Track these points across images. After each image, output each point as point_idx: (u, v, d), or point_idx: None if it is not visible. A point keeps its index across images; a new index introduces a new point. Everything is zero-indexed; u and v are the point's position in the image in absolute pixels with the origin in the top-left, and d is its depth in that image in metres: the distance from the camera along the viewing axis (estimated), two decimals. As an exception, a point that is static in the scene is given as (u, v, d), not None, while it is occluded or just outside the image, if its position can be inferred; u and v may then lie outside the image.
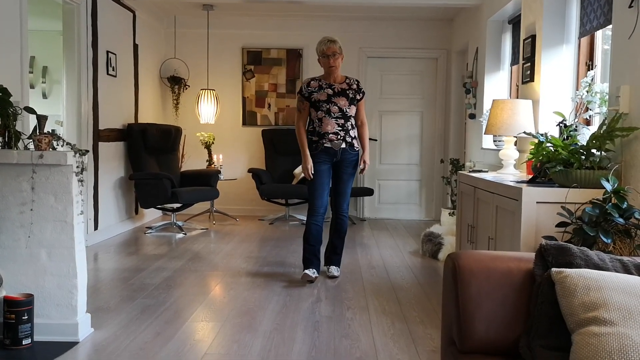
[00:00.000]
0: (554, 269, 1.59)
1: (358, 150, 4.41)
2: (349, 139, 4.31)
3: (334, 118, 4.27)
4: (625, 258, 1.67)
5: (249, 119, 7.79)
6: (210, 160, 7.32)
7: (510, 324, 1.66)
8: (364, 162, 4.45)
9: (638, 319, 1.39)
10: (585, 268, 1.60)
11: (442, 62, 7.69)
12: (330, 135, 4.27)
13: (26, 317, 2.87)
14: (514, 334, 1.65)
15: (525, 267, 1.70)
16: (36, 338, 2.94)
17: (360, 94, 4.39)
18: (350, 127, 4.33)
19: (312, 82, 4.36)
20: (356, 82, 4.41)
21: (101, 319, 3.35)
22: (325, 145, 4.28)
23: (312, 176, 4.29)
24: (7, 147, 3.00)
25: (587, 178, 2.79)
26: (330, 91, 4.30)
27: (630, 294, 1.45)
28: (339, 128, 4.28)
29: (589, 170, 2.81)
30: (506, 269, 1.70)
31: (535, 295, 1.61)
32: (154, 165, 6.50)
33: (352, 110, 4.34)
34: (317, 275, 4.34)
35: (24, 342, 2.86)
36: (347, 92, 4.33)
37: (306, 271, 4.28)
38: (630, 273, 1.60)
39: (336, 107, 4.28)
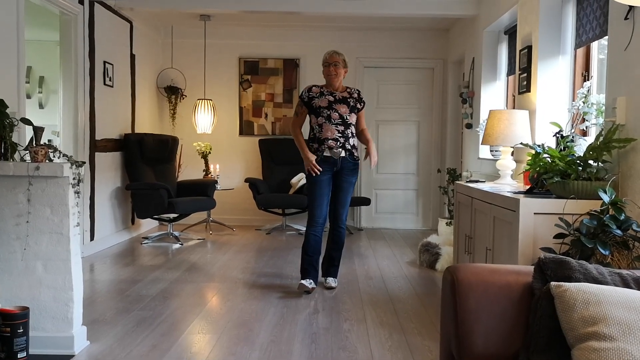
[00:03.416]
0: (552, 283, 1.58)
1: (358, 160, 4.42)
2: (348, 146, 4.32)
3: (334, 124, 4.29)
4: (624, 271, 1.67)
5: (245, 129, 7.80)
6: (207, 170, 7.31)
7: (509, 338, 1.65)
8: (371, 156, 4.33)
9: (638, 334, 1.38)
10: (584, 282, 1.59)
11: (438, 72, 7.71)
12: (330, 141, 4.27)
13: (21, 330, 2.85)
14: (513, 348, 1.64)
15: (524, 280, 1.70)
16: (31, 351, 2.92)
17: (361, 104, 4.43)
18: (350, 135, 4.34)
19: (313, 87, 4.40)
20: (357, 92, 4.45)
21: (97, 332, 3.33)
22: (325, 154, 4.29)
23: (318, 172, 4.24)
24: (3, 159, 2.99)
25: (584, 189, 2.79)
26: (331, 98, 4.33)
27: (630, 308, 1.44)
28: (339, 134, 4.29)
29: (586, 182, 2.81)
30: (505, 283, 1.70)
31: (534, 309, 1.60)
32: (150, 176, 6.48)
33: (352, 118, 4.36)
34: (315, 286, 4.32)
35: (19, 356, 2.83)
36: (348, 100, 4.36)
37: (303, 281, 4.26)
38: (629, 287, 1.60)
39: (337, 114, 4.30)
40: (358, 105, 4.39)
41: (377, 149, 7.74)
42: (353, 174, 4.39)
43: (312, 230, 4.34)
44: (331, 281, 4.45)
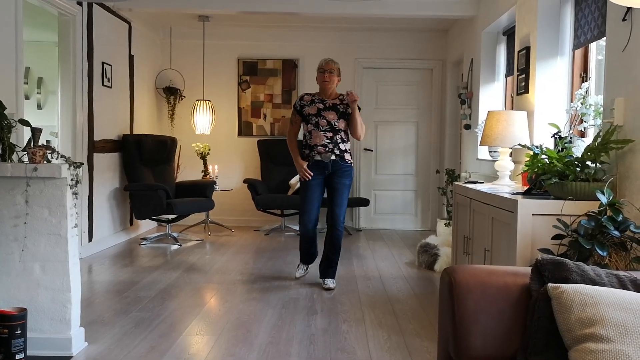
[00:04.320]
0: (550, 284, 1.58)
1: (350, 164, 4.47)
2: (337, 151, 4.40)
3: (322, 131, 4.40)
4: (621, 273, 1.67)
5: (244, 130, 7.79)
6: (205, 171, 7.31)
7: (507, 340, 1.65)
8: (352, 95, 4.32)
9: (634, 335, 1.38)
10: (581, 283, 1.59)
11: (437, 73, 7.71)
12: (319, 147, 4.39)
13: (19, 332, 2.84)
14: (511, 349, 1.64)
15: (522, 281, 1.70)
16: (29, 352, 2.92)
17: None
18: (339, 140, 4.41)
19: (305, 96, 4.55)
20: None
21: (95, 333, 3.33)
22: (315, 158, 4.39)
23: (310, 177, 4.39)
24: (1, 160, 2.99)
25: (582, 190, 2.79)
26: (321, 105, 4.45)
27: (627, 310, 1.44)
28: (327, 140, 4.39)
29: (584, 183, 2.81)
30: (502, 284, 1.70)
31: (532, 310, 1.60)
32: (149, 176, 6.48)
33: (341, 124, 4.43)
34: (305, 267, 4.79)
35: (17, 357, 2.83)
36: (338, 106, 4.45)
37: (296, 273, 4.79)
38: (627, 288, 1.60)
39: (325, 121, 4.41)
40: (348, 111, 4.43)
41: (376, 148, 7.76)
42: (346, 175, 4.43)
43: (304, 230, 4.56)
44: (329, 282, 4.45)
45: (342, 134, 4.43)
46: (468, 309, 1.66)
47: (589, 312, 1.46)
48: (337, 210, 4.43)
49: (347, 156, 4.43)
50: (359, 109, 4.46)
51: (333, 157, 4.37)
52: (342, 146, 4.41)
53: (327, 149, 4.37)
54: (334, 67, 4.45)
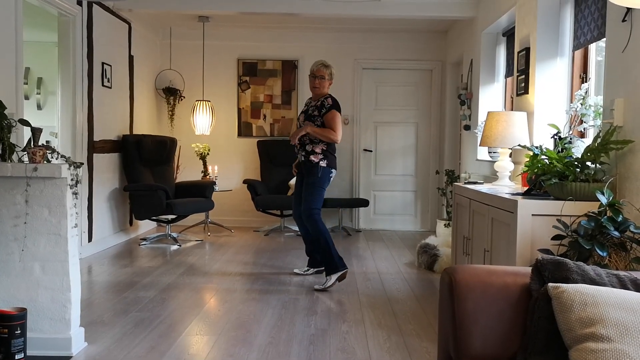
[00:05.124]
0: (550, 284, 1.58)
1: (316, 164, 4.54)
2: (303, 152, 4.60)
3: None
4: (621, 273, 1.67)
5: (244, 130, 7.80)
6: (205, 172, 7.31)
7: (507, 340, 1.65)
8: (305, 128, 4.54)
9: (635, 335, 1.38)
10: (581, 283, 1.59)
11: (437, 74, 7.72)
12: (294, 147, 4.67)
13: (19, 332, 2.84)
14: (511, 349, 1.64)
15: (522, 281, 1.70)
16: (29, 352, 2.92)
17: (324, 109, 4.55)
18: (307, 142, 4.57)
19: (307, 100, 4.83)
20: (323, 100, 4.57)
21: (95, 333, 3.33)
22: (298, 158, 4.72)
23: (294, 173, 4.87)
24: (1, 160, 2.99)
25: (582, 191, 2.80)
26: (304, 108, 4.75)
27: (627, 309, 1.44)
28: (297, 141, 4.62)
29: (584, 183, 2.81)
30: (502, 284, 1.70)
31: (532, 310, 1.60)
32: (148, 177, 6.48)
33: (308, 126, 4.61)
34: (308, 269, 4.88)
35: (16, 357, 2.83)
36: (309, 109, 4.64)
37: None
38: (627, 288, 1.60)
39: (298, 122, 4.76)
40: (315, 113, 4.56)
41: (376, 149, 7.75)
42: (309, 175, 4.59)
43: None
44: (317, 284, 4.48)
45: (310, 136, 4.55)
46: (468, 309, 1.66)
47: (589, 312, 1.46)
48: (302, 204, 4.61)
49: (312, 157, 4.55)
50: (333, 108, 4.50)
51: (302, 158, 4.61)
52: (307, 147, 4.57)
53: (296, 149, 4.65)
54: (324, 73, 4.60)
